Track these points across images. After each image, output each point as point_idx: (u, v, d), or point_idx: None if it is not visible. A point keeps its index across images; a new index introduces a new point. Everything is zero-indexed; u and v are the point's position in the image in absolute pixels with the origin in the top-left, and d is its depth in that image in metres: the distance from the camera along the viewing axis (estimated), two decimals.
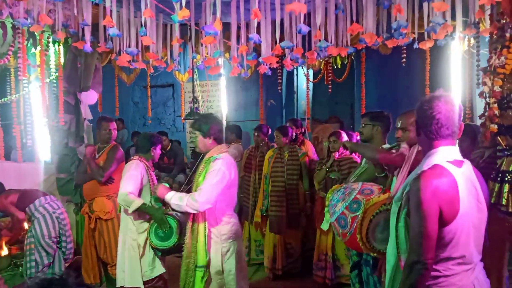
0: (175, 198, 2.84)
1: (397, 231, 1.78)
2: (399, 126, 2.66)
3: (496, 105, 2.78)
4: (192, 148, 6.67)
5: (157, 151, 3.54)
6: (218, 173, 2.78)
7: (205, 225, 2.88)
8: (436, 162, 1.74)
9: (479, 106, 4.44)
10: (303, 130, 5.39)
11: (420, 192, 1.66)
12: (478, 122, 3.48)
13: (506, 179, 2.68)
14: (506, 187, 2.66)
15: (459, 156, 1.78)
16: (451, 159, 1.75)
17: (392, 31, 3.44)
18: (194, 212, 2.82)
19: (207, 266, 2.88)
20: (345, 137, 4.51)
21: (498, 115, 2.77)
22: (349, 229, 2.38)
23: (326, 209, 2.67)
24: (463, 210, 1.68)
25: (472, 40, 4.28)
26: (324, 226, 2.81)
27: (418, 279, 1.65)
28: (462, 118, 1.80)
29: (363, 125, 3.21)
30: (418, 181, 1.69)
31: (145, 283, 3.27)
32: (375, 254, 2.42)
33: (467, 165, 1.80)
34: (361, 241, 2.33)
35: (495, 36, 2.99)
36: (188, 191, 5.39)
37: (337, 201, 2.51)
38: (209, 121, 2.91)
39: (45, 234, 3.95)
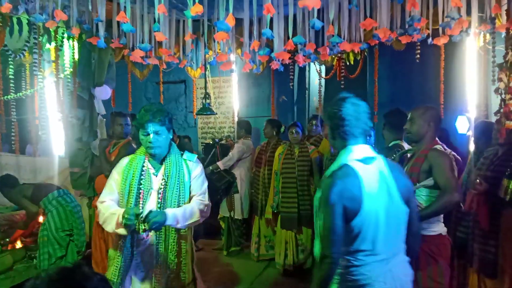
0: (181, 218, 2.35)
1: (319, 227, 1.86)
2: (408, 118, 2.71)
3: (511, 101, 2.74)
4: (204, 144, 6.68)
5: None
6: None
7: (192, 240, 2.63)
8: (344, 161, 1.85)
9: (494, 103, 4.38)
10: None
11: (327, 191, 1.78)
12: (493, 119, 3.43)
13: None
14: None
15: (370, 153, 1.88)
16: (360, 157, 1.85)
17: (407, 26, 3.40)
18: (203, 219, 2.48)
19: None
20: None
21: None
22: None
23: None
24: (368, 207, 1.78)
25: (488, 36, 4.21)
26: None
27: (327, 272, 1.76)
28: (371, 117, 1.92)
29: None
30: (326, 181, 1.83)
31: None
32: None
33: (379, 161, 1.88)
34: None
35: (511, 32, 2.95)
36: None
37: None
38: None
39: (58, 227, 4.02)
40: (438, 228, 2.59)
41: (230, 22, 2.63)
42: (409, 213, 1.89)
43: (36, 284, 0.98)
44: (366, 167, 1.82)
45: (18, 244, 4.55)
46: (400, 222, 1.87)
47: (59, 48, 4.87)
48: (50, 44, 4.98)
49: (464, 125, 4.80)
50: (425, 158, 2.55)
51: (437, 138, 2.69)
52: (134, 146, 4.12)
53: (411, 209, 1.91)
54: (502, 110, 2.84)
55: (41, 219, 4.32)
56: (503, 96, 2.86)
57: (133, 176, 2.44)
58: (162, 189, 2.42)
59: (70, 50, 5.11)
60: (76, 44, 4.98)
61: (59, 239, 4.04)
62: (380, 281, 1.80)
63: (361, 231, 1.78)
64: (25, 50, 4.74)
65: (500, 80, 2.85)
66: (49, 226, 4.04)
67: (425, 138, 2.65)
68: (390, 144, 3.33)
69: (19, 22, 4.39)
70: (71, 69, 5.09)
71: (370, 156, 1.86)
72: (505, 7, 3.30)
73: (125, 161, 2.54)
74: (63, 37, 4.87)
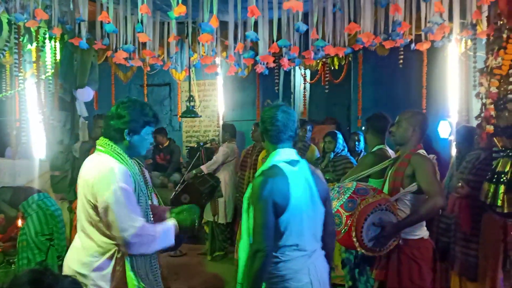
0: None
1: (249, 226, 1.97)
2: (395, 121, 2.72)
3: (492, 106, 2.78)
4: (188, 148, 6.64)
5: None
6: None
7: None
8: (274, 162, 2.03)
9: (475, 108, 4.45)
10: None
11: (258, 189, 1.92)
12: (474, 123, 3.48)
13: (502, 180, 2.68)
14: (502, 188, 2.66)
15: (295, 157, 2.07)
16: (287, 159, 2.03)
17: (390, 30, 3.44)
18: None
19: None
20: (340, 138, 4.51)
21: (494, 116, 2.77)
22: (343, 227, 2.41)
23: None
24: (294, 203, 1.95)
25: (469, 42, 4.28)
26: None
27: (261, 266, 1.87)
28: (297, 124, 2.12)
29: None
30: (257, 180, 1.97)
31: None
32: (368, 252, 2.45)
33: (303, 164, 2.08)
34: (355, 238, 2.36)
35: (492, 38, 3.00)
36: (183, 190, 5.45)
37: (332, 199, 2.51)
38: None
39: (38, 232, 3.92)
40: (420, 232, 2.60)
41: (214, 23, 2.62)
42: (325, 213, 2.08)
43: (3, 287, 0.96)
44: (292, 168, 2.01)
45: None
46: (319, 220, 2.08)
47: (40, 49, 4.79)
48: (31, 45, 4.89)
49: (446, 130, 4.86)
50: (409, 163, 2.56)
51: (421, 144, 2.71)
52: None
53: (327, 210, 2.11)
54: (483, 115, 2.88)
55: (20, 223, 4.21)
56: (483, 100, 2.89)
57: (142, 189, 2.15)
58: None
59: (52, 51, 5.02)
60: (58, 44, 4.90)
61: (39, 244, 3.94)
62: (304, 274, 1.98)
63: (288, 226, 1.95)
64: (5, 51, 4.65)
65: (481, 84, 2.89)
66: (28, 230, 3.95)
67: (410, 142, 2.65)
68: (374, 149, 3.33)
69: None
70: (53, 71, 5.00)
71: (295, 159, 2.06)
72: (485, 13, 3.36)
73: (123, 170, 2.03)
74: (44, 38, 4.79)
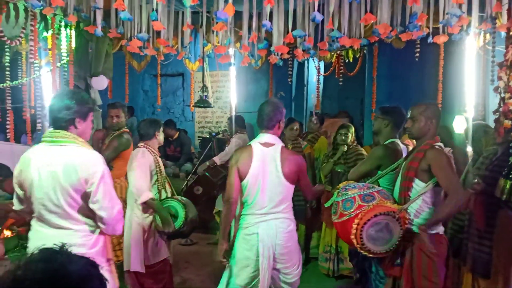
0: None
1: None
2: (409, 116, 2.67)
3: (511, 100, 2.73)
4: (201, 138, 6.66)
5: (161, 135, 3.49)
6: None
7: None
8: (252, 142, 2.78)
9: (492, 103, 4.36)
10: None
11: (230, 159, 2.84)
12: (491, 118, 3.42)
13: None
14: None
15: (271, 141, 2.74)
16: (263, 142, 2.75)
17: (407, 22, 3.38)
18: None
19: None
20: (353, 132, 4.47)
21: None
22: (350, 212, 2.42)
23: (340, 185, 2.74)
24: (253, 172, 2.66)
25: (488, 36, 4.20)
26: (327, 203, 2.79)
27: (227, 210, 2.73)
28: (284, 116, 2.82)
29: (375, 117, 3.21)
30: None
31: (149, 266, 3.27)
32: (359, 247, 2.42)
33: (276, 147, 2.73)
34: (355, 229, 2.36)
35: None
36: (196, 181, 5.46)
37: (353, 187, 2.57)
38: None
39: None
40: (436, 227, 2.55)
41: (229, 12, 2.60)
42: (300, 182, 2.80)
43: (17, 264, 0.95)
44: (263, 149, 2.72)
45: (7, 233, 4.50)
46: (276, 191, 2.68)
47: (56, 36, 4.82)
48: (47, 32, 4.92)
49: (461, 125, 4.79)
50: (424, 155, 2.52)
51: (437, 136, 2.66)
52: (126, 137, 4.06)
53: (302, 181, 2.81)
54: (501, 109, 2.82)
55: None
56: (502, 95, 2.84)
57: None
58: None
59: (67, 38, 5.05)
60: (73, 32, 4.92)
61: None
62: (259, 227, 2.67)
63: (248, 188, 2.68)
64: (21, 37, 4.68)
65: (499, 78, 2.83)
66: None
67: (426, 135, 2.61)
68: (386, 142, 3.27)
69: (16, 8, 4.33)
70: (68, 58, 5.03)
71: (271, 142, 2.74)
72: (506, 6, 3.28)
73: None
74: (60, 25, 4.81)
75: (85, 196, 2.14)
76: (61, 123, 2.18)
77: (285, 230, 2.72)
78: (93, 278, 0.99)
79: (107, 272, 2.25)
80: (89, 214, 2.18)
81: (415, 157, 2.57)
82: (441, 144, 2.59)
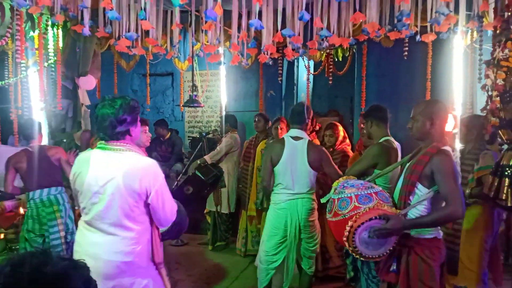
0: None
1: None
2: (411, 116, 2.53)
3: (498, 98, 2.76)
4: (191, 138, 6.62)
5: (144, 135, 3.40)
6: None
7: None
8: (284, 136, 3.49)
9: (480, 101, 4.41)
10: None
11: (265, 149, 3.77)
12: None
13: (506, 173, 2.67)
14: (506, 181, 2.65)
15: (300, 135, 3.41)
16: (293, 135, 3.42)
17: (395, 21, 3.39)
18: None
19: None
20: (341, 130, 4.49)
21: (500, 108, 2.75)
22: (345, 213, 2.35)
23: (335, 183, 2.61)
24: (284, 160, 3.34)
25: (475, 35, 4.24)
26: (323, 199, 2.74)
27: (264, 191, 3.58)
28: (311, 115, 3.56)
29: (363, 126, 3.27)
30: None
31: None
32: (350, 250, 2.37)
33: (303, 141, 3.39)
34: (347, 233, 2.29)
35: (499, 29, 2.96)
36: (186, 180, 5.43)
37: (351, 185, 2.46)
38: None
39: (29, 229, 3.88)
40: (434, 231, 2.43)
41: (218, 11, 2.58)
42: (324, 169, 3.44)
43: None
44: (293, 141, 3.40)
45: None
46: (303, 176, 3.35)
47: (43, 36, 4.75)
48: (33, 32, 4.85)
49: (450, 123, 4.83)
50: (430, 159, 2.34)
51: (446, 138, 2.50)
52: None
53: (326, 168, 3.42)
54: (488, 107, 2.85)
55: (22, 211, 4.22)
56: (489, 93, 2.87)
57: None
58: None
59: (54, 38, 4.99)
60: (60, 32, 4.86)
61: (32, 241, 3.92)
62: (288, 203, 3.38)
63: (279, 172, 3.38)
64: (7, 37, 4.61)
65: (487, 76, 2.86)
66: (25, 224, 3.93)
67: (430, 136, 2.43)
68: (380, 141, 3.28)
69: (1, 7, 4.26)
70: (55, 58, 4.97)
71: (300, 137, 3.41)
72: (492, 5, 3.32)
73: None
74: (47, 25, 4.75)
75: (144, 204, 2.12)
76: (117, 136, 2.16)
77: (309, 208, 3.38)
78: (73, 279, 0.97)
79: (157, 275, 2.24)
80: (141, 221, 2.15)
81: (420, 160, 2.40)
82: (449, 148, 2.43)
